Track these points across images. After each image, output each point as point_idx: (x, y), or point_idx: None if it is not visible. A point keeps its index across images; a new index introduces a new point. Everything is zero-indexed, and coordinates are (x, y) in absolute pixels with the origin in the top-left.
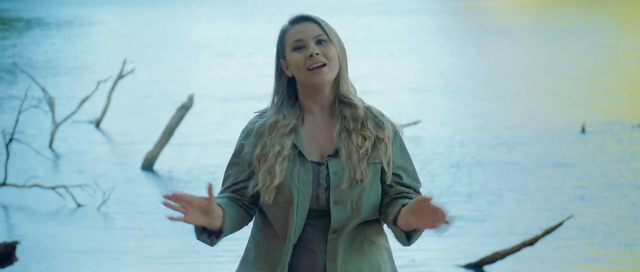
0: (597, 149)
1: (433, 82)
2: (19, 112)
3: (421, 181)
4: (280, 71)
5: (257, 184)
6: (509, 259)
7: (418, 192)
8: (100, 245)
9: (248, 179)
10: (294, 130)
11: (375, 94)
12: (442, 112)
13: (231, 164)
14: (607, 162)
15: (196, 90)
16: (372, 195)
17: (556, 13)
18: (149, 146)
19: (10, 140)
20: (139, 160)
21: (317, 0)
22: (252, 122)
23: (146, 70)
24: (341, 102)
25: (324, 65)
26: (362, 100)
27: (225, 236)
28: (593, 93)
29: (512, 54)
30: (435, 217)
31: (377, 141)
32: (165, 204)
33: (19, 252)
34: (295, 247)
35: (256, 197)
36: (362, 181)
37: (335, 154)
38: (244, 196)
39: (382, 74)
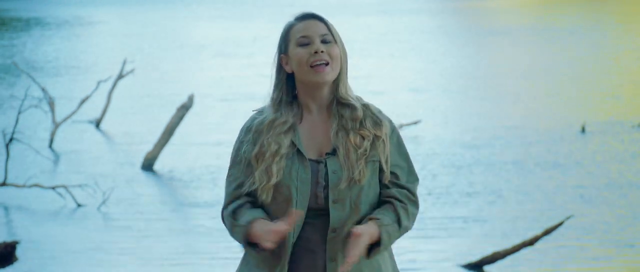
0: (597, 149)
1: (433, 82)
2: (19, 112)
3: (421, 181)
4: (279, 67)
5: (253, 183)
6: (509, 259)
7: (411, 192)
8: (100, 245)
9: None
10: (292, 128)
11: (375, 94)
12: (442, 112)
13: (237, 169)
14: (607, 162)
15: (196, 90)
16: (370, 193)
17: (556, 13)
18: (149, 146)
19: (10, 140)
20: (139, 160)
21: (317, 0)
22: (251, 119)
23: (146, 70)
24: (339, 103)
25: (327, 64)
26: (360, 99)
27: None
28: (593, 93)
29: (512, 54)
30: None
31: (376, 139)
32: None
33: (19, 252)
34: (295, 246)
35: None
36: (360, 180)
37: (334, 152)
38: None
39: (382, 74)
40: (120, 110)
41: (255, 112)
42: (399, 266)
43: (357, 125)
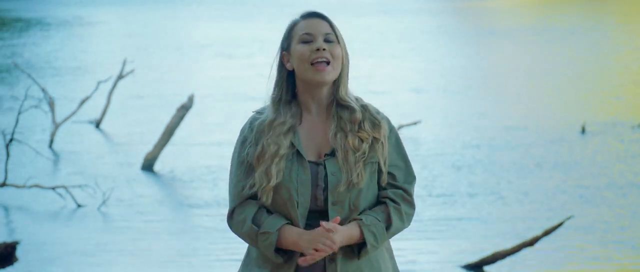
0: (597, 149)
1: (433, 82)
2: (19, 112)
3: (421, 181)
4: (281, 64)
5: (254, 184)
6: (509, 259)
7: (408, 192)
8: (100, 245)
9: None
10: (292, 129)
11: (375, 94)
12: (442, 112)
13: (241, 170)
14: (607, 162)
15: (196, 90)
16: (369, 195)
17: (556, 13)
18: (149, 146)
19: (10, 140)
20: (139, 160)
21: (317, 1)
22: (251, 120)
23: (146, 70)
24: (339, 105)
25: (328, 63)
26: (359, 99)
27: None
28: (593, 93)
29: (513, 54)
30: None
31: (374, 141)
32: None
33: (19, 252)
34: None
35: None
36: (358, 184)
37: (332, 153)
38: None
39: (382, 74)
40: (120, 111)
41: (255, 112)
42: (399, 266)
43: (356, 128)
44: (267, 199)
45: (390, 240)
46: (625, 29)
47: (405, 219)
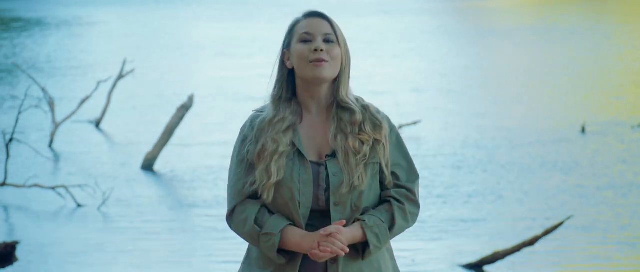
0: (597, 149)
1: (434, 82)
2: (19, 112)
3: (422, 181)
4: (282, 62)
5: (254, 182)
6: (509, 259)
7: (412, 191)
8: (100, 245)
9: None
10: (292, 127)
11: (376, 95)
12: (443, 112)
13: (241, 168)
14: (607, 162)
15: (196, 90)
16: (371, 195)
17: (556, 13)
18: (149, 146)
19: (10, 140)
20: (139, 160)
21: (317, 1)
22: (252, 118)
23: (146, 70)
24: (339, 106)
25: (326, 62)
26: (360, 99)
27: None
28: (593, 93)
29: (513, 54)
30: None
31: (376, 143)
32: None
33: (19, 252)
34: None
35: None
36: (360, 186)
37: (333, 154)
38: None
39: (382, 75)
40: (120, 110)
41: (255, 111)
42: (399, 266)
43: (356, 130)
44: (268, 197)
45: (390, 240)
46: (626, 29)
47: (410, 219)
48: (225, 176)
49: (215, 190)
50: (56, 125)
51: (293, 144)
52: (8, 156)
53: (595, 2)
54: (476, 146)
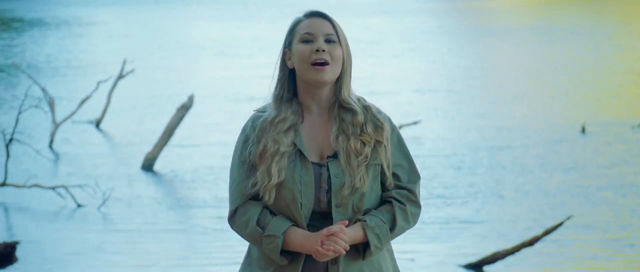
0: (597, 149)
1: (434, 82)
2: (19, 112)
3: (422, 181)
4: (283, 62)
5: (256, 183)
6: (509, 259)
7: (413, 192)
8: (100, 245)
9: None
10: (293, 127)
11: (376, 95)
12: (443, 112)
13: (243, 169)
14: (607, 162)
15: (196, 90)
16: (372, 196)
17: (557, 13)
18: (149, 146)
19: (10, 140)
20: (139, 160)
21: (317, 1)
22: (253, 118)
23: (146, 70)
24: (341, 107)
25: (327, 64)
26: (361, 99)
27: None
28: (593, 93)
29: (513, 54)
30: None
31: (377, 144)
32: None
33: (19, 252)
34: None
35: None
36: (361, 187)
37: (335, 155)
38: None
39: (383, 75)
40: (120, 110)
41: (256, 111)
42: (399, 266)
43: (358, 131)
44: (269, 198)
45: (391, 240)
46: (626, 29)
47: (411, 219)
48: (225, 176)
49: (215, 190)
50: (56, 125)
51: (294, 145)
52: (8, 156)
53: (595, 2)
54: (476, 146)
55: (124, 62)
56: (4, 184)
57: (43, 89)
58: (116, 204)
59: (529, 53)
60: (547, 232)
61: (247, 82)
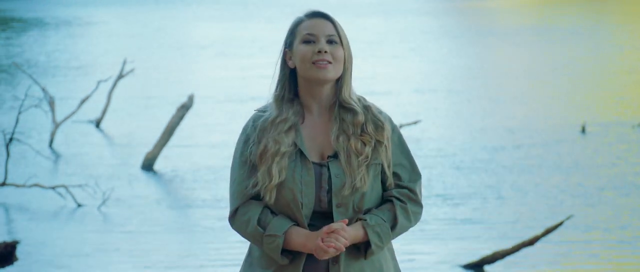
0: (598, 149)
1: (434, 82)
2: (19, 112)
3: (422, 181)
4: (283, 62)
5: (256, 183)
6: (509, 259)
7: (413, 191)
8: (100, 245)
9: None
10: (294, 127)
11: (377, 95)
12: (443, 112)
13: (244, 169)
14: (607, 162)
15: (196, 90)
16: (373, 196)
17: (557, 13)
18: (149, 146)
19: (10, 140)
20: (139, 160)
21: (317, 1)
22: (254, 118)
23: (146, 70)
24: (341, 107)
25: (329, 63)
26: (362, 99)
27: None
28: (593, 93)
29: (513, 54)
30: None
31: (378, 144)
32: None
33: (19, 252)
34: None
35: None
36: (362, 187)
37: (335, 155)
38: None
39: (383, 75)
40: (120, 110)
41: (257, 111)
42: (399, 266)
43: (358, 131)
44: (270, 198)
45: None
46: (626, 29)
47: (413, 218)
48: (225, 175)
49: (215, 190)
50: (56, 125)
51: (295, 145)
52: (8, 155)
53: (595, 2)
54: (476, 146)
55: (124, 62)
56: (4, 184)
57: (43, 89)
58: (116, 204)
59: (529, 53)
60: (547, 232)
61: (247, 82)
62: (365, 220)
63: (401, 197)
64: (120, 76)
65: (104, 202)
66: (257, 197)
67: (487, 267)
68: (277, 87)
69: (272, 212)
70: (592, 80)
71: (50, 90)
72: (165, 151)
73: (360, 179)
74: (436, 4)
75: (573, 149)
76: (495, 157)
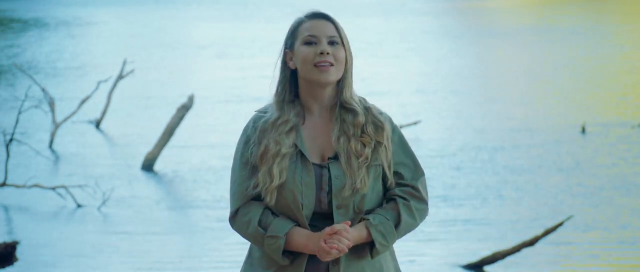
0: (598, 149)
1: (434, 82)
2: (19, 112)
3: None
4: (284, 63)
5: (257, 184)
6: (509, 259)
7: (416, 189)
8: (100, 245)
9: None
10: (294, 128)
11: (377, 95)
12: (443, 113)
13: (244, 170)
14: (607, 162)
15: (196, 90)
16: (374, 197)
17: (557, 13)
18: (149, 146)
19: (10, 140)
20: (139, 160)
21: (317, 1)
22: (255, 119)
23: (146, 70)
24: (342, 107)
25: (331, 65)
26: (363, 100)
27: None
28: (593, 93)
29: (513, 54)
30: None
31: (377, 145)
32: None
33: (19, 252)
34: None
35: None
36: (362, 189)
37: (336, 157)
38: None
39: (383, 75)
40: (120, 111)
41: (257, 111)
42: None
43: (359, 132)
44: (270, 199)
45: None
46: (626, 29)
47: (417, 215)
48: (225, 176)
49: (215, 190)
50: (56, 126)
51: (295, 146)
52: (8, 156)
53: (595, 2)
54: (476, 146)
55: (124, 62)
56: (4, 184)
57: (43, 89)
58: (116, 205)
59: (529, 53)
60: (547, 232)
61: (247, 82)
62: (368, 220)
63: (404, 195)
64: (120, 76)
65: (104, 202)
66: (257, 198)
67: (487, 268)
68: (277, 88)
69: (273, 213)
70: (592, 80)
71: (50, 91)
72: (165, 151)
73: (361, 180)
74: (436, 4)
75: (573, 149)
76: (495, 158)
